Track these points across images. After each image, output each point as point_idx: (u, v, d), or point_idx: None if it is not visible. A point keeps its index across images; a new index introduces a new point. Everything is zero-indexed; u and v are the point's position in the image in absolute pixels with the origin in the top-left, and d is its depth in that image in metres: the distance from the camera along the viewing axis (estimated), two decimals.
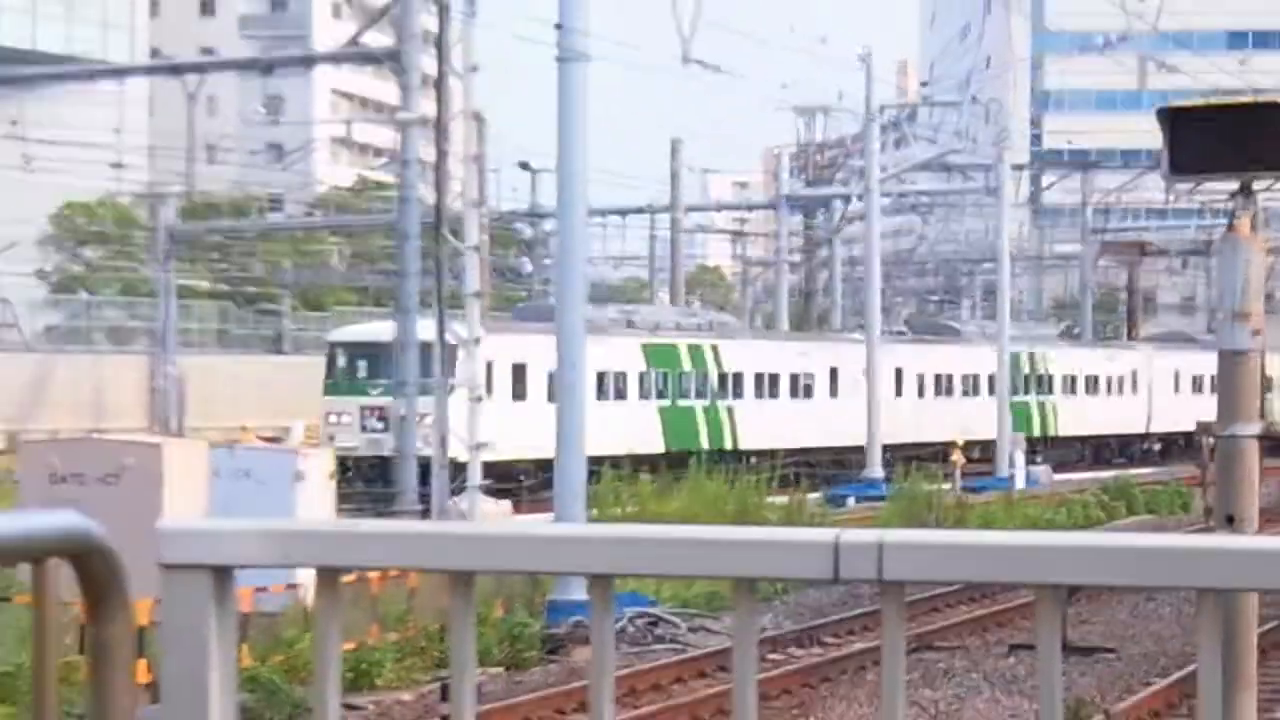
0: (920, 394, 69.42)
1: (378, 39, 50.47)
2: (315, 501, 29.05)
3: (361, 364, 52.65)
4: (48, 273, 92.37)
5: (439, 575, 4.05)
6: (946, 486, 58.97)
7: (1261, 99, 16.49)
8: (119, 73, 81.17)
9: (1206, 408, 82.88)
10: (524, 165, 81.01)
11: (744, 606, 3.72)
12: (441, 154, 40.41)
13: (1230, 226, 16.51)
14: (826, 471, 63.50)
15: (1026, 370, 73.34)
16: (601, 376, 54.12)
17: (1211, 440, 16.66)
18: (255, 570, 3.99)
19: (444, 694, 20.73)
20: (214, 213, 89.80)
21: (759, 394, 61.04)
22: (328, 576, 3.98)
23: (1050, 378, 74.20)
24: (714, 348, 59.46)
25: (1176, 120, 15.91)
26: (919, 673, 23.54)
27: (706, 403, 58.88)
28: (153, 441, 29.39)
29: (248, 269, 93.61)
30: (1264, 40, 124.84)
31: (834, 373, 65.49)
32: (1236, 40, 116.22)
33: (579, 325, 32.31)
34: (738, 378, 61.24)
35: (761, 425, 55.21)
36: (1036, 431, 72.56)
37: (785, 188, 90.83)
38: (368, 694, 21.59)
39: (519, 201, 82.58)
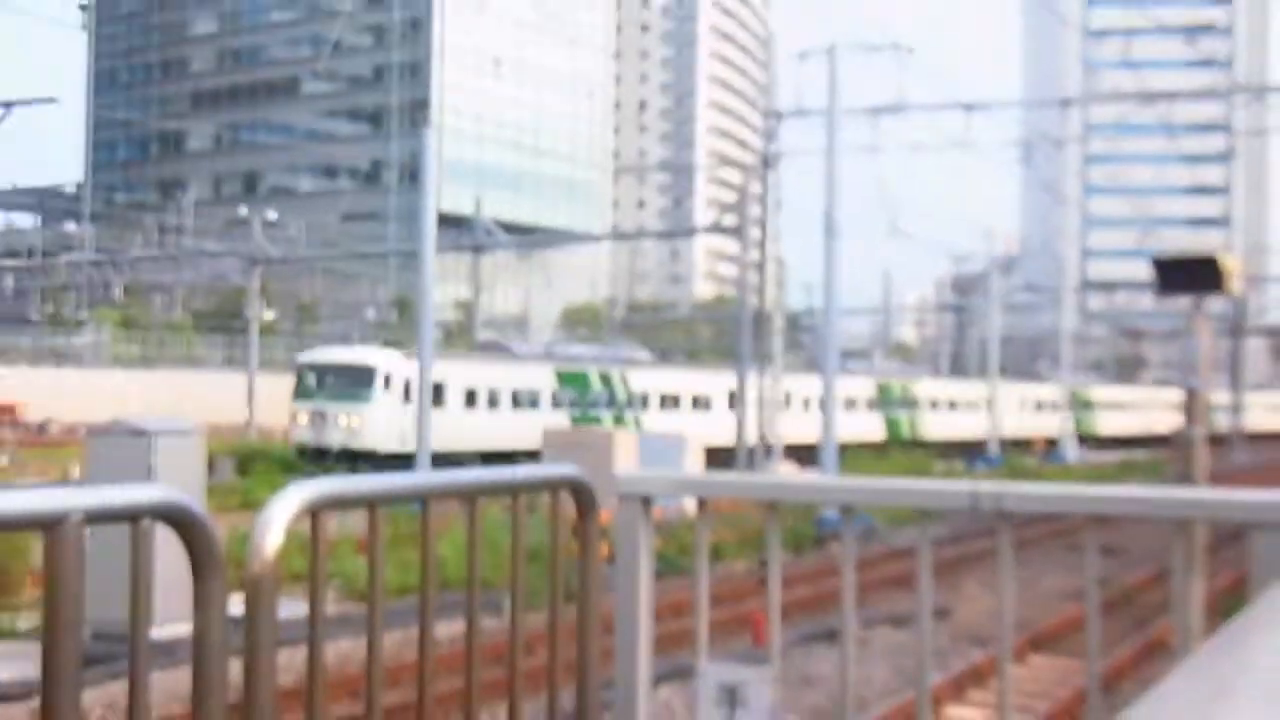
0: (806, 408, 54.88)
1: (729, 219, 50.51)
2: (693, 464, 29.25)
3: (318, 379, 42.98)
4: (553, 345, 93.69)
5: (759, 502, 4.07)
6: (1032, 460, 57.68)
7: (1204, 255, 16.16)
8: (595, 238, 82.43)
9: (1038, 422, 72.78)
10: (805, 287, 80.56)
11: (923, 523, 3.71)
12: (762, 280, 40.49)
13: (1189, 322, 16.30)
14: (969, 453, 61.15)
15: (900, 394, 65.01)
16: (516, 393, 46.04)
17: (1179, 435, 16.49)
18: (663, 496, 4.04)
19: (761, 565, 20.81)
20: (644, 310, 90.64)
21: (663, 407, 50.44)
22: (702, 502, 4.02)
23: (916, 400, 64.78)
24: (622, 375, 49.79)
25: (1161, 265, 15.72)
26: (1016, 560, 23.27)
27: (615, 413, 49.39)
28: (607, 432, 29.66)
29: (660, 340, 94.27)
30: (1208, 224, 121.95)
31: (732, 394, 52.12)
32: (1192, 224, 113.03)
33: (834, 371, 31.51)
34: (644, 396, 50.95)
35: (663, 429, 44.02)
36: (907, 436, 64.07)
37: (945, 298, 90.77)
38: (720, 564, 21.54)
39: (802, 304, 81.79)
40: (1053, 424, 68.56)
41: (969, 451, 61.68)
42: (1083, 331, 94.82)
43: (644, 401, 50.88)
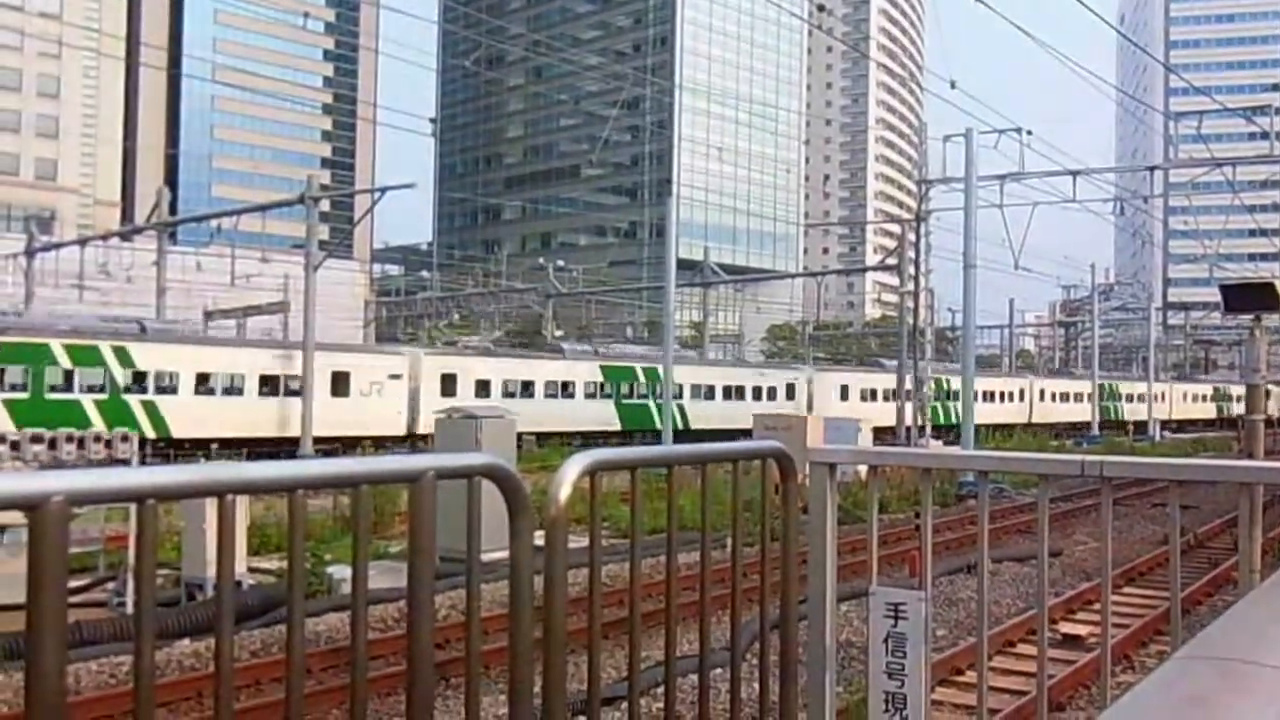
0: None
1: (892, 260, 49.31)
2: (865, 440, 28.60)
3: None
4: (764, 353, 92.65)
5: (916, 468, 3.96)
6: (1124, 437, 54.82)
7: (1264, 280, 15.28)
8: (791, 275, 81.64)
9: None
10: (950, 310, 77.81)
11: (1043, 485, 3.57)
12: (916, 305, 39.50)
13: (1251, 333, 15.29)
14: (1076, 433, 58.37)
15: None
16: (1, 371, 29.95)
17: (1242, 419, 15.59)
18: (843, 464, 3.97)
19: (916, 515, 20.32)
20: (827, 328, 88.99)
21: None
22: (872, 468, 3.94)
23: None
24: (119, 348, 32.03)
25: (1227, 289, 14.81)
26: (1112, 515, 22.06)
27: (104, 397, 31.49)
28: (803, 415, 29.22)
29: (838, 351, 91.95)
30: (1265, 259, 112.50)
31: (451, 379, 39.34)
32: (1251, 259, 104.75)
33: (972, 370, 30.27)
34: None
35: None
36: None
37: (1057, 317, 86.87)
38: (885, 515, 21.05)
39: (947, 322, 79.14)
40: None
41: (1077, 431, 59.40)
42: (1164, 341, 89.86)
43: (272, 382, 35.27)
